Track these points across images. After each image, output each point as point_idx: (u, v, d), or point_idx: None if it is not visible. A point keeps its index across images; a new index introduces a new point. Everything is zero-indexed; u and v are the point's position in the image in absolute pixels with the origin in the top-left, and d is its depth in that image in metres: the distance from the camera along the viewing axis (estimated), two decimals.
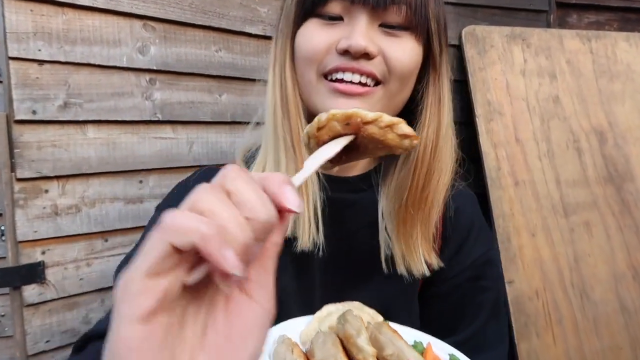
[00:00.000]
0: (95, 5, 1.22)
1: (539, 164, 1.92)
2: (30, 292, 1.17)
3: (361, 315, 0.64)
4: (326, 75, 0.70)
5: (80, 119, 1.22)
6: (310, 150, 0.47)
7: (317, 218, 0.73)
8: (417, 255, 0.75)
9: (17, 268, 1.15)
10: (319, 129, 0.46)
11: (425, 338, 0.67)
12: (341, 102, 0.68)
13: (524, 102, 1.95)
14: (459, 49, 1.98)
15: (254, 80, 1.59)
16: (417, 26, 0.68)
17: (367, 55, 0.67)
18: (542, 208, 1.88)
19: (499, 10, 2.07)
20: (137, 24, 1.31)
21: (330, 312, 0.67)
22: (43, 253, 1.19)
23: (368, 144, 0.47)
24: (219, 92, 1.51)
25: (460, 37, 1.96)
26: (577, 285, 1.86)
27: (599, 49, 2.11)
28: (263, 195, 0.34)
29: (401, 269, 0.75)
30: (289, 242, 0.73)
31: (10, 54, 1.12)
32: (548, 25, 2.13)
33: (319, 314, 0.67)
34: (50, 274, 1.21)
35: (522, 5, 2.08)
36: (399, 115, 0.72)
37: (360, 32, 0.65)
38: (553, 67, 2.03)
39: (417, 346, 0.63)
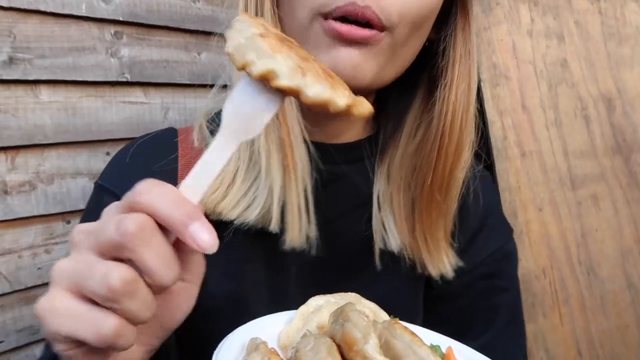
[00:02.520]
0: None
1: (546, 134, 1.79)
2: None
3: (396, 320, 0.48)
4: (326, 16, 0.54)
5: (31, 78, 1.01)
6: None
7: (308, 205, 0.58)
8: (441, 253, 0.61)
9: None
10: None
11: (442, 340, 0.52)
12: (342, 53, 0.53)
13: (531, 65, 1.81)
14: None
15: None
16: None
17: None
18: (549, 181, 1.76)
19: None
20: None
21: (319, 306, 0.50)
22: None
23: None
24: (198, 49, 1.30)
25: None
26: (584, 263, 1.77)
27: (607, 9, 1.97)
28: (168, 254, 0.34)
29: (402, 267, 0.61)
30: (271, 237, 0.57)
31: None
32: None
33: (303, 308, 0.51)
34: (1, 263, 1.02)
35: None
36: (409, 72, 0.59)
37: None
38: (561, 28, 1.88)
39: (435, 350, 0.47)
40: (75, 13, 1.06)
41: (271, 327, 0.49)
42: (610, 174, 1.85)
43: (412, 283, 0.64)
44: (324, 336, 0.41)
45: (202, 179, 0.35)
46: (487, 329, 0.65)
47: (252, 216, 0.55)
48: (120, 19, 1.14)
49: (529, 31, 1.82)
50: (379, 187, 0.63)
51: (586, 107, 1.86)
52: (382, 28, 0.53)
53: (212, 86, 1.36)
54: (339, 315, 0.42)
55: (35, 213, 1.05)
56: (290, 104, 0.57)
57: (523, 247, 1.64)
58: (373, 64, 0.54)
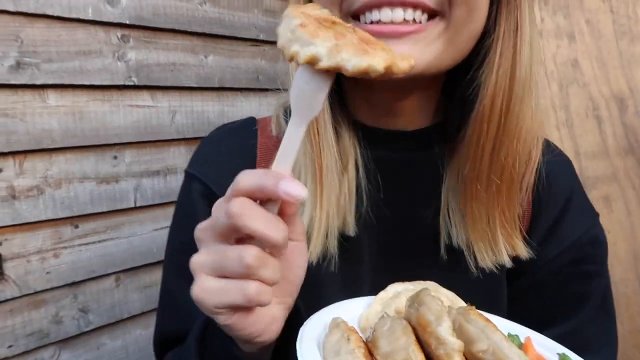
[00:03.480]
0: None
1: (557, 134, 1.76)
2: None
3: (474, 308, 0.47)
4: (356, 17, 0.52)
5: (38, 82, 1.01)
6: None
7: (360, 189, 0.61)
8: (494, 245, 0.59)
9: None
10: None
11: (521, 330, 0.51)
12: (395, 47, 0.48)
13: (542, 66, 1.78)
14: None
15: (244, 39, 1.39)
16: None
17: None
18: None
19: None
20: None
21: (398, 292, 0.52)
22: (0, 244, 1.00)
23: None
24: (205, 52, 1.30)
25: None
26: None
27: (619, 7, 1.94)
28: (273, 219, 0.40)
29: (469, 261, 0.59)
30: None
31: None
32: None
33: (382, 294, 0.52)
34: (9, 268, 1.02)
35: None
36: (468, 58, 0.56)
37: None
38: (572, 28, 1.85)
39: (512, 340, 0.47)
40: (81, 17, 1.06)
41: (352, 311, 0.51)
42: (623, 175, 1.82)
43: (489, 277, 0.61)
44: (400, 318, 0.43)
45: (285, 158, 0.42)
46: (577, 314, 0.62)
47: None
48: (127, 22, 1.13)
49: (539, 31, 1.79)
50: (447, 179, 0.61)
51: (598, 108, 1.83)
52: (432, 12, 0.51)
53: (219, 89, 1.36)
54: (415, 299, 0.43)
55: (44, 217, 1.06)
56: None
57: None
58: (428, 52, 0.52)
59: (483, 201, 0.57)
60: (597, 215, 0.68)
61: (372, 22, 0.51)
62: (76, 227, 1.11)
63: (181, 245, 0.64)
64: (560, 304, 0.63)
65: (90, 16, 1.07)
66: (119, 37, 1.13)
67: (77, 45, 1.06)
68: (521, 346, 0.46)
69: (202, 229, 0.43)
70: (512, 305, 0.64)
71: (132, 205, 1.20)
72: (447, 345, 0.38)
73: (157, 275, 1.26)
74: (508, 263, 0.59)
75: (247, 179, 0.40)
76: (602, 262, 0.66)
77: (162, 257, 1.23)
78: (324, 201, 0.56)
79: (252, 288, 0.40)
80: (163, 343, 0.66)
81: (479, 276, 0.59)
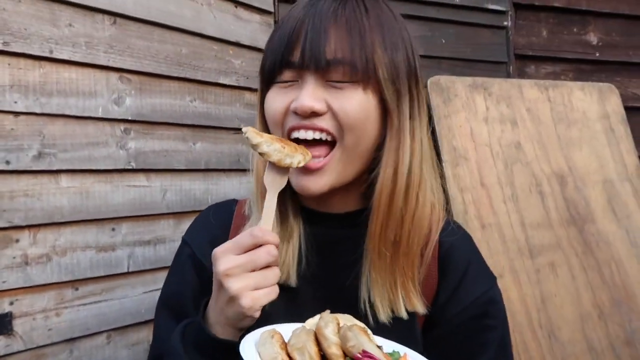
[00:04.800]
0: (72, 59, 1.26)
1: (504, 208, 1.99)
2: None
3: (360, 325, 0.67)
4: (289, 135, 0.76)
5: (54, 168, 1.24)
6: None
7: (301, 254, 0.81)
8: (394, 302, 0.78)
9: None
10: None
11: (404, 350, 0.70)
12: (303, 181, 0.77)
13: (488, 148, 2.04)
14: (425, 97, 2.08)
15: (227, 128, 1.64)
16: (363, 78, 0.73)
17: (315, 113, 0.73)
18: (508, 250, 1.94)
19: (462, 62, 2.19)
20: (114, 76, 1.36)
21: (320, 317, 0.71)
22: (11, 304, 1.18)
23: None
24: (194, 140, 1.54)
25: (426, 87, 2.06)
26: (545, 326, 1.91)
27: (556, 97, 2.24)
28: (261, 252, 0.68)
29: (379, 314, 0.77)
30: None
31: None
32: (508, 75, 2.26)
33: (310, 320, 0.71)
34: (18, 324, 1.19)
35: (483, 57, 2.21)
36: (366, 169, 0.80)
37: (307, 92, 0.72)
38: (514, 115, 2.14)
39: (393, 354, 0.66)
40: (93, 115, 1.30)
41: (286, 329, 0.69)
42: (566, 244, 2.03)
43: (396, 326, 0.78)
44: (310, 329, 0.64)
45: (267, 218, 0.69)
46: (479, 358, 0.79)
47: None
48: (129, 118, 1.38)
49: (484, 118, 2.07)
50: (365, 245, 0.80)
51: (540, 184, 2.08)
52: (331, 135, 0.74)
53: (205, 170, 1.59)
54: (321, 317, 0.65)
55: (50, 281, 1.24)
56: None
57: None
58: (332, 177, 0.76)
59: (383, 269, 0.77)
60: (494, 279, 0.87)
61: (295, 140, 0.75)
62: (76, 289, 1.29)
63: (168, 289, 0.89)
64: (465, 350, 0.80)
65: (100, 114, 1.31)
66: (122, 130, 1.37)
67: (88, 137, 1.30)
68: (399, 357, 0.65)
69: (222, 250, 0.68)
70: (430, 350, 0.80)
71: (126, 270, 1.39)
72: (329, 340, 0.59)
73: (144, 333, 1.43)
74: (405, 316, 0.77)
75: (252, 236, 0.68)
76: (498, 317, 0.83)
77: (149, 317, 1.41)
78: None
79: (277, 271, 0.69)
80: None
81: (389, 324, 0.78)
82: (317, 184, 0.75)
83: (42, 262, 1.23)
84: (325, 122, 0.74)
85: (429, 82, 2.06)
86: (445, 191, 1.92)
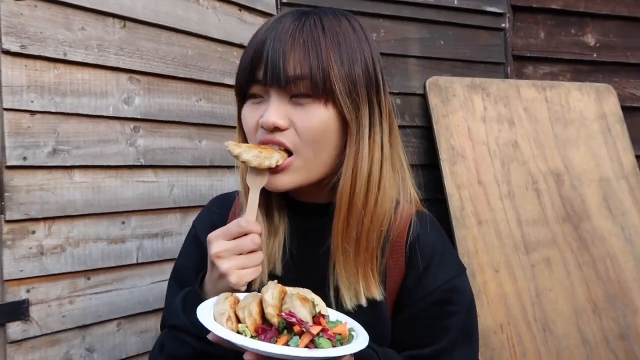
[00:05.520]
0: (85, 61, 1.34)
1: (500, 205, 2.05)
2: (14, 329, 1.22)
3: (306, 296, 0.74)
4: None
5: (68, 164, 1.31)
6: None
7: (286, 247, 0.89)
8: (356, 290, 0.85)
9: (2, 306, 1.20)
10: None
11: (346, 319, 0.78)
12: (272, 179, 0.83)
13: (485, 146, 2.10)
14: (424, 97, 2.14)
15: (232, 127, 1.70)
16: (321, 93, 0.79)
17: (278, 128, 0.79)
18: (504, 246, 2.00)
19: (460, 63, 2.24)
20: (124, 77, 1.43)
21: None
22: (28, 291, 1.25)
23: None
24: (199, 138, 1.62)
25: (424, 87, 2.12)
26: (539, 320, 1.96)
27: (553, 97, 2.29)
28: (246, 240, 0.78)
29: (345, 301, 0.84)
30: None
31: (5, 106, 1.21)
32: (506, 76, 2.31)
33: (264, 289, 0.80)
34: (34, 311, 1.26)
35: (482, 58, 2.27)
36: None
37: (272, 109, 0.79)
38: (511, 115, 2.19)
39: (336, 323, 0.74)
40: (104, 114, 1.38)
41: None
42: (562, 240, 2.09)
43: (363, 312, 0.84)
44: (258, 294, 0.73)
45: (250, 210, 0.80)
46: (441, 340, 0.85)
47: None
48: (139, 117, 1.45)
49: (482, 117, 2.13)
50: (334, 239, 0.86)
51: (537, 182, 2.13)
52: (289, 150, 0.81)
53: (210, 167, 1.66)
54: (266, 286, 0.74)
55: (64, 270, 1.32)
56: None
57: (481, 305, 1.85)
58: (297, 177, 0.82)
59: (347, 261, 0.84)
60: (462, 269, 0.93)
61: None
62: (88, 278, 1.37)
63: (177, 264, 1.01)
64: (429, 332, 0.87)
65: (111, 113, 1.38)
66: (132, 128, 1.44)
67: (99, 135, 1.37)
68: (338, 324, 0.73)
69: (220, 250, 0.77)
70: (399, 332, 0.89)
71: (135, 261, 1.46)
72: (267, 302, 0.70)
73: (152, 321, 1.50)
74: (364, 304, 0.84)
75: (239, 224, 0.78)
76: (461, 304, 0.89)
77: (157, 306, 1.48)
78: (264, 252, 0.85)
79: (260, 254, 0.79)
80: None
81: (356, 309, 0.84)
82: (281, 182, 0.82)
83: (56, 252, 1.30)
84: (285, 138, 0.80)
85: (427, 82, 2.12)
86: (444, 188, 1.98)
